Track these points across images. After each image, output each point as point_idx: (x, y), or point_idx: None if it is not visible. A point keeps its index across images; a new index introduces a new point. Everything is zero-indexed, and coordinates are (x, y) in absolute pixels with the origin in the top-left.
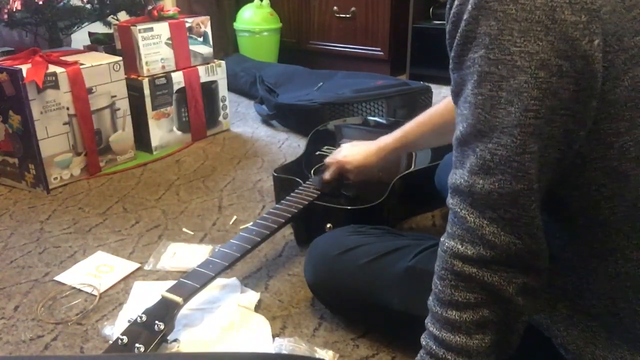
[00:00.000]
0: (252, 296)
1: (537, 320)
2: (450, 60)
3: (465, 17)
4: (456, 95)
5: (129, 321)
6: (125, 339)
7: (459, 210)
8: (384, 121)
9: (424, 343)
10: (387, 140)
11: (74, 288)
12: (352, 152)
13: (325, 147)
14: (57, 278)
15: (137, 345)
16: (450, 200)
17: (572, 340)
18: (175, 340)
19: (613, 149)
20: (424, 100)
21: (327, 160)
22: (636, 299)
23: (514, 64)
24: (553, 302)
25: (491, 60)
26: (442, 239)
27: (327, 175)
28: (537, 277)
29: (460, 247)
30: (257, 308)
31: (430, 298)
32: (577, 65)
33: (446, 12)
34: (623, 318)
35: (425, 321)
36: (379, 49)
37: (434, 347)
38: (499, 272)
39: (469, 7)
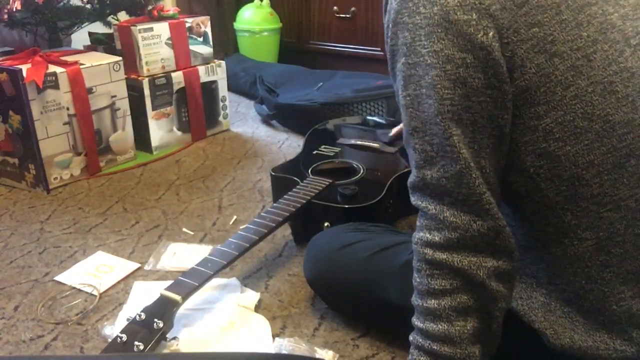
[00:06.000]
0: (252, 296)
1: (515, 307)
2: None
3: (389, 34)
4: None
5: (127, 319)
6: (124, 337)
7: (420, 202)
8: (383, 121)
9: (411, 339)
10: None
11: (74, 288)
12: None
13: (323, 146)
14: (57, 278)
15: (136, 343)
16: (412, 199)
17: (549, 326)
18: (174, 338)
19: (538, 131)
20: None
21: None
22: (600, 279)
23: (426, 63)
24: (529, 290)
25: (410, 65)
26: (413, 234)
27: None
28: (508, 260)
29: (428, 235)
30: (257, 308)
31: (413, 295)
32: (479, 56)
33: None
34: (593, 301)
35: (412, 319)
36: (379, 49)
37: (420, 340)
38: (468, 257)
39: (390, 25)
